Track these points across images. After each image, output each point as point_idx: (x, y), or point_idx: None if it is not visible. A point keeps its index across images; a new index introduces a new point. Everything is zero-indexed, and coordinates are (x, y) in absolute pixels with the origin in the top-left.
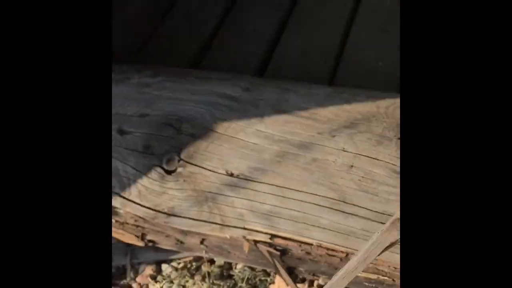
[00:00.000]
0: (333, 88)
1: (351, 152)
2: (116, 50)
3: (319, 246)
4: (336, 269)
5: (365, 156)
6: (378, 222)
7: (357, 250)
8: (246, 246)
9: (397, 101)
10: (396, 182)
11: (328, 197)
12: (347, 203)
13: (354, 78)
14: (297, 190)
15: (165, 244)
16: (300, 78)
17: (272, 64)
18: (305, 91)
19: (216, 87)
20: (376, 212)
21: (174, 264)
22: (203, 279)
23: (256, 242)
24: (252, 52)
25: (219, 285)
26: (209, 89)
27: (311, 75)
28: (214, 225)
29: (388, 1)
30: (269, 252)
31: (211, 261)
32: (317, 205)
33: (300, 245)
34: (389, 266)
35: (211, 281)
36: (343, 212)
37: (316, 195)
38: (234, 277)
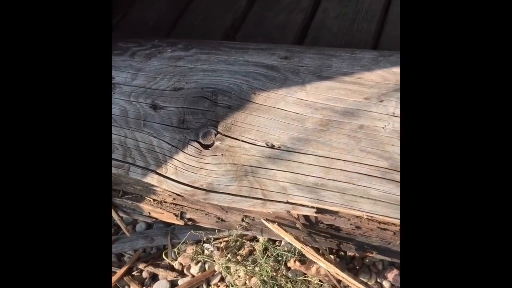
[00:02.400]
0: (379, 52)
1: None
2: (149, 24)
3: (370, 219)
4: (389, 243)
5: None
6: None
7: None
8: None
9: None
10: None
11: (378, 166)
12: (399, 171)
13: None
14: (344, 160)
15: (205, 222)
16: (342, 46)
17: (311, 33)
18: (349, 55)
19: (253, 57)
20: None
21: (215, 243)
22: (246, 258)
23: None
24: (289, 23)
25: (264, 263)
26: (246, 59)
27: (353, 41)
28: (255, 200)
29: None
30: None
31: (254, 239)
32: (367, 175)
33: (349, 219)
34: None
35: (255, 260)
36: (396, 181)
37: (365, 164)
38: (279, 254)
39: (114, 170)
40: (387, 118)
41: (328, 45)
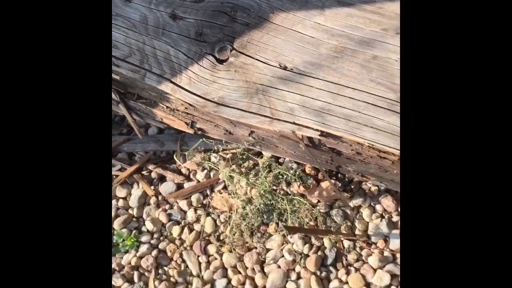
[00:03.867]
0: None
1: None
2: None
3: (371, 147)
4: (387, 172)
5: None
6: None
7: None
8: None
9: None
10: None
11: (386, 98)
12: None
13: None
14: (353, 88)
15: (214, 133)
16: None
17: None
18: None
19: None
20: None
21: (222, 154)
22: (250, 171)
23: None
24: None
25: (266, 176)
26: None
27: None
28: (263, 117)
29: None
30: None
31: (259, 154)
32: (373, 105)
33: (350, 145)
34: None
35: (257, 174)
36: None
37: (373, 94)
38: (280, 172)
39: (130, 74)
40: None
41: None
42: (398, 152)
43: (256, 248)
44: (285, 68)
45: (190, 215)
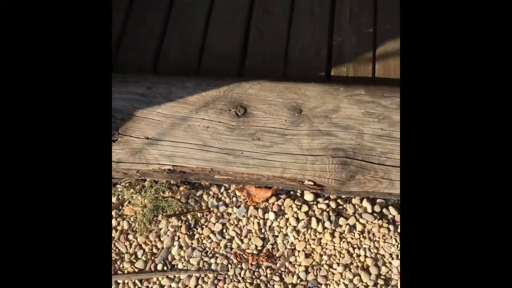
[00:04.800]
0: (196, 81)
1: (207, 120)
2: None
3: (200, 169)
4: (208, 176)
5: (214, 121)
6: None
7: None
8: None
9: (231, 86)
10: (231, 133)
11: (196, 144)
12: (207, 145)
13: (214, 67)
14: (182, 143)
15: (117, 175)
16: (179, 68)
17: (160, 58)
18: (181, 85)
19: (131, 88)
20: (222, 152)
21: (123, 184)
22: (141, 189)
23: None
24: (148, 50)
25: (150, 191)
26: (127, 90)
27: (185, 66)
28: (142, 164)
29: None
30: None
31: (144, 180)
32: (192, 149)
33: (189, 168)
34: None
35: (146, 190)
36: (206, 151)
37: (189, 143)
38: (158, 188)
39: None
40: (200, 120)
41: (171, 69)
42: (207, 166)
43: (154, 229)
44: (147, 138)
45: (113, 222)
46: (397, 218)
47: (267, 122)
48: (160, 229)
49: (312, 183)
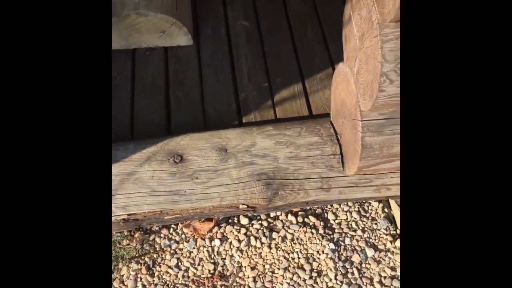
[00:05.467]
0: (135, 142)
1: (151, 170)
2: None
3: (148, 212)
4: (158, 218)
5: (158, 170)
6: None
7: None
8: None
9: (165, 141)
10: (173, 177)
11: (145, 191)
12: (155, 191)
13: (145, 133)
14: (133, 193)
15: None
16: (118, 138)
17: None
18: (124, 148)
19: None
20: (169, 194)
21: None
22: None
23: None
24: None
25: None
26: None
27: (121, 136)
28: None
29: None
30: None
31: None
32: (141, 196)
33: (140, 215)
34: None
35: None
36: (155, 196)
37: (140, 192)
38: (116, 237)
39: None
40: (146, 172)
41: None
42: (151, 209)
43: (117, 277)
44: None
45: None
46: (317, 223)
47: (201, 163)
48: (122, 275)
49: (245, 206)
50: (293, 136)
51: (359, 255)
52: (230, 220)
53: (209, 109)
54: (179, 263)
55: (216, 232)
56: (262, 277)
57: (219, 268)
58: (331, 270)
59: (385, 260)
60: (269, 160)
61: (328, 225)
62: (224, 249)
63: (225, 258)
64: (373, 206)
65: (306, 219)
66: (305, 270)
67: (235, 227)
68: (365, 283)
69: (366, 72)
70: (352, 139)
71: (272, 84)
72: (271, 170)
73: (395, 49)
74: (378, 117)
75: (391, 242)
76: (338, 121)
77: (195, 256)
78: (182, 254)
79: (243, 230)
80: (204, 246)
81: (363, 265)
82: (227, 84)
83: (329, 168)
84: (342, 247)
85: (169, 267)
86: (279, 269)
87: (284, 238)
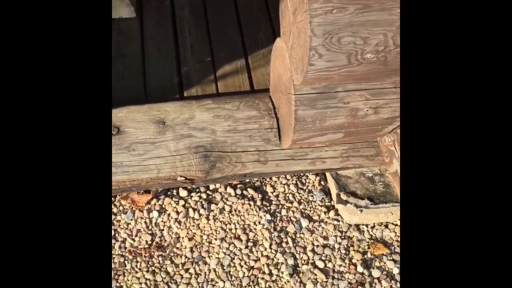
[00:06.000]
0: None
1: None
2: None
3: None
4: None
5: None
6: None
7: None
8: None
9: None
10: None
11: None
12: None
13: None
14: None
15: None
16: None
17: None
18: None
19: None
20: None
21: None
22: None
23: None
24: None
25: None
26: None
27: None
28: None
29: None
30: None
31: None
32: None
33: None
34: None
35: None
36: None
37: None
38: None
39: None
40: None
41: None
42: None
43: None
44: None
45: None
46: (255, 195)
47: (138, 136)
48: None
49: (183, 178)
50: (232, 110)
51: (294, 225)
52: (169, 193)
53: (150, 82)
54: (116, 235)
55: (155, 204)
56: (199, 247)
57: (157, 239)
58: (266, 239)
59: (318, 230)
60: (207, 133)
61: (266, 197)
62: (162, 221)
63: (162, 229)
64: (310, 179)
65: (244, 192)
66: (241, 240)
67: (173, 199)
68: (298, 252)
69: (298, 47)
70: (287, 112)
71: (216, 58)
72: (208, 143)
73: (323, 24)
74: (311, 91)
75: (325, 213)
76: (276, 96)
77: (133, 228)
78: (119, 225)
79: (181, 202)
80: (142, 218)
81: (298, 235)
82: (170, 58)
83: (266, 142)
84: (278, 218)
85: None
86: (216, 239)
87: (222, 210)
